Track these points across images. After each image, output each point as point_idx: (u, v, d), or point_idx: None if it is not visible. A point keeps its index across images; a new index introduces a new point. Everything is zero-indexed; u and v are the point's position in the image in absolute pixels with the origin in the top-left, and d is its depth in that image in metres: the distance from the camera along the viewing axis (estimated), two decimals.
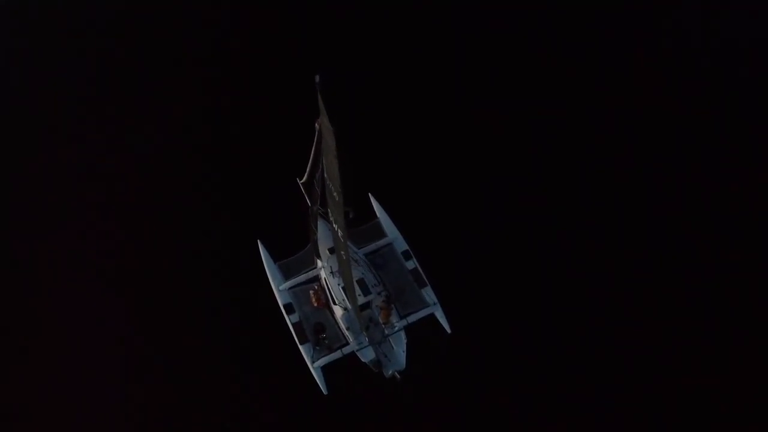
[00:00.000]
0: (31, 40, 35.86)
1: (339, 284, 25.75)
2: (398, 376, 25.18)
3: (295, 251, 27.47)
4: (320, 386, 25.25)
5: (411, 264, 27.17)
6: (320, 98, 18.18)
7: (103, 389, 26.44)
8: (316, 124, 20.44)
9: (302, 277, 27.08)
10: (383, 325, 25.80)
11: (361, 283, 25.74)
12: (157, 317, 27.88)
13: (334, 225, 22.81)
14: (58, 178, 31.57)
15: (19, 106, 33.97)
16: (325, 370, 25.47)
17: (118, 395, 26.34)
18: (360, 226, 27.68)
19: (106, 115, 33.24)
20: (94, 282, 28.73)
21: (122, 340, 27.41)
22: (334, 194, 20.35)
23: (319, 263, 26.90)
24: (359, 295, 25.44)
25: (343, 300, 25.60)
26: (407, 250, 27.49)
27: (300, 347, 25.80)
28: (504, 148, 31.52)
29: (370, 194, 28.93)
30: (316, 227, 26.08)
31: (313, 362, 25.47)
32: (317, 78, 17.71)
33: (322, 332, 25.71)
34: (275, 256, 27.63)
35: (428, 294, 26.53)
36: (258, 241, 27.93)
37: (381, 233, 27.95)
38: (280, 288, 26.94)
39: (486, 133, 31.83)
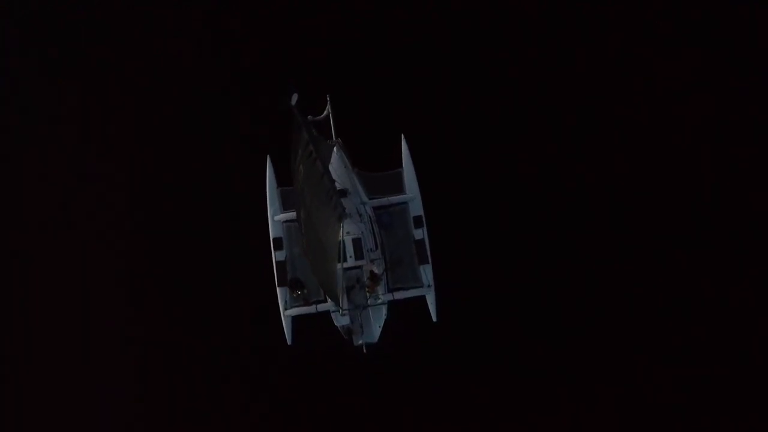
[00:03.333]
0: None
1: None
2: (365, 349, 23.76)
3: None
4: (286, 335, 24.10)
5: (419, 233, 24.52)
6: (302, 129, 13.93)
7: None
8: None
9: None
10: (368, 293, 23.95)
11: (357, 243, 23.46)
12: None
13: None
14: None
15: None
16: (295, 320, 24.09)
17: None
18: (380, 171, 24.99)
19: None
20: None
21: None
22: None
23: None
24: (350, 256, 23.37)
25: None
26: (420, 216, 24.65)
27: (277, 289, 24.31)
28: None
29: (403, 136, 25.71)
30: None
31: (285, 309, 24.13)
32: (294, 98, 13.30)
33: (298, 289, 24.08)
34: (281, 180, 25.28)
35: (426, 273, 24.18)
36: (267, 156, 25.47)
37: (399, 188, 25.10)
38: (275, 218, 24.89)
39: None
